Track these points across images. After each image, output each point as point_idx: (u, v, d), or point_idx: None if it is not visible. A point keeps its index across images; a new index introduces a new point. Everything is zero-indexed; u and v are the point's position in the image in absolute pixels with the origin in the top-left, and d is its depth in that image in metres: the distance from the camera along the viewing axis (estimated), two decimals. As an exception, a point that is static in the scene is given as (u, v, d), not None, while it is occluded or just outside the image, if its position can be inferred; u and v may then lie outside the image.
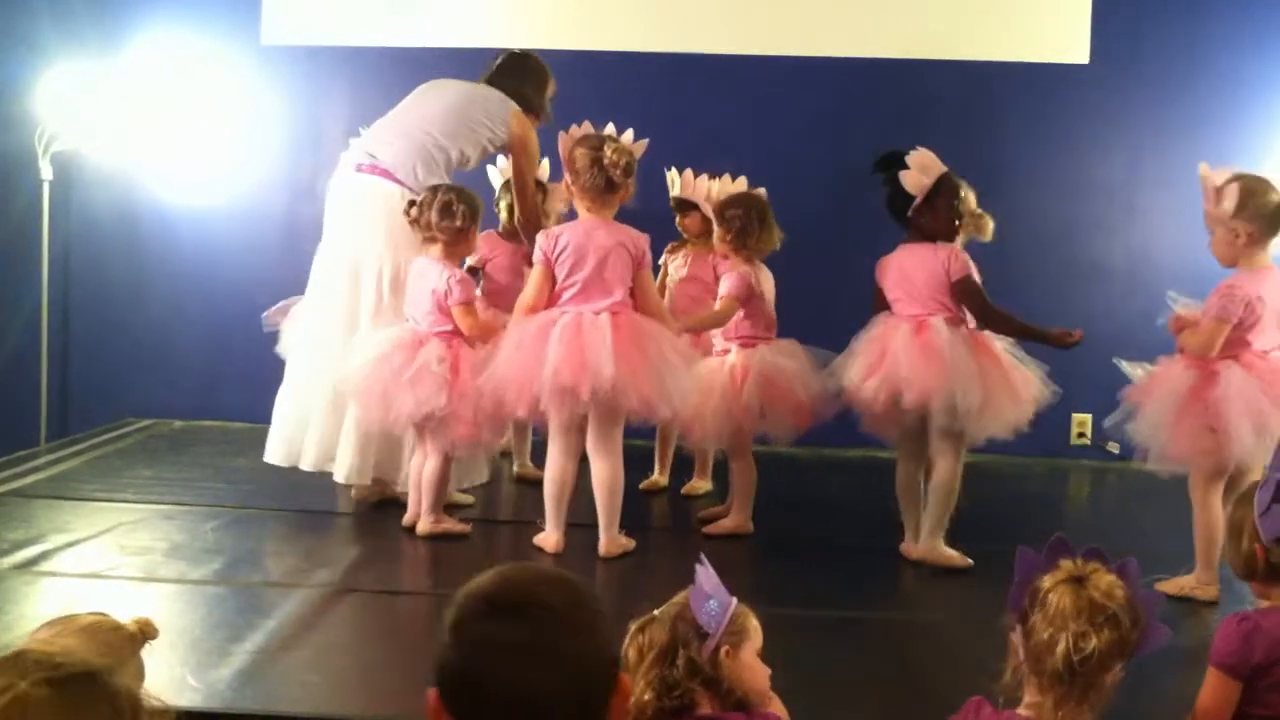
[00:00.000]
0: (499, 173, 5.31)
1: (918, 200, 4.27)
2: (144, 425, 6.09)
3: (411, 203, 4.39)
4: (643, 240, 4.17)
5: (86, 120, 5.92)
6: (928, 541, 4.27)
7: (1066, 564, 2.01)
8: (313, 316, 4.68)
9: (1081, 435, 6.06)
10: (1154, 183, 6.03)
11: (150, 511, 4.55)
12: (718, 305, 4.52)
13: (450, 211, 4.30)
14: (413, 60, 6.14)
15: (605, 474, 4.16)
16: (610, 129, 4.29)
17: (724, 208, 4.53)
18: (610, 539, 4.19)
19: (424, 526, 4.36)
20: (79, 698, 1.21)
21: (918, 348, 4.13)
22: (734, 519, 4.54)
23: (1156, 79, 5.96)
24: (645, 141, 4.28)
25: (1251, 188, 3.82)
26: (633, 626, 2.18)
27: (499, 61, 5.10)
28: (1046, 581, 1.99)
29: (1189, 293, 5.93)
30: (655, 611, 2.20)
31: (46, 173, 5.90)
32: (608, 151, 4.11)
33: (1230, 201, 3.81)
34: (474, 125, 4.81)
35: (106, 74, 6.00)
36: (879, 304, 4.35)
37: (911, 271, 4.27)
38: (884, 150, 4.40)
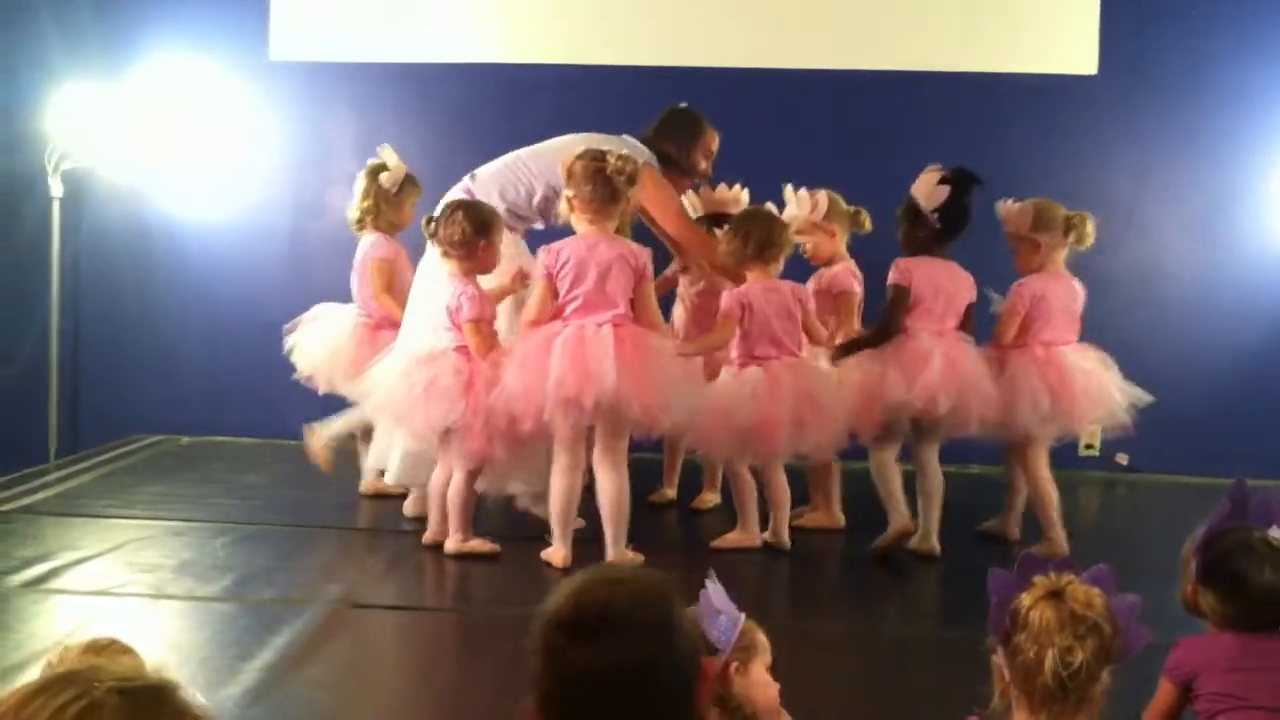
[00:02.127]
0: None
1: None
2: (153, 441, 6.10)
3: (429, 219, 4.39)
4: (644, 254, 4.17)
5: (96, 138, 5.94)
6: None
7: (1041, 580, 2.00)
8: (404, 333, 4.71)
9: (1089, 447, 6.05)
10: (1159, 194, 6.03)
11: (159, 528, 4.55)
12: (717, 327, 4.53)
13: (452, 224, 4.28)
14: (418, 76, 6.18)
15: (611, 488, 4.16)
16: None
17: (738, 223, 4.52)
18: (617, 554, 4.18)
19: (451, 545, 4.34)
20: (147, 707, 1.25)
21: (975, 363, 4.40)
22: (739, 534, 4.51)
23: (1163, 90, 5.96)
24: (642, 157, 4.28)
25: (1044, 206, 4.55)
26: None
27: (659, 117, 5.01)
28: (1025, 600, 1.99)
29: (1194, 301, 5.98)
30: None
31: (57, 190, 5.92)
32: (611, 161, 4.12)
33: (1028, 218, 4.50)
34: None
35: (116, 92, 6.02)
36: (902, 306, 4.39)
37: (944, 284, 4.43)
38: (952, 166, 4.48)
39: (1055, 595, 1.97)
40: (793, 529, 4.57)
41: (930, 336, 4.37)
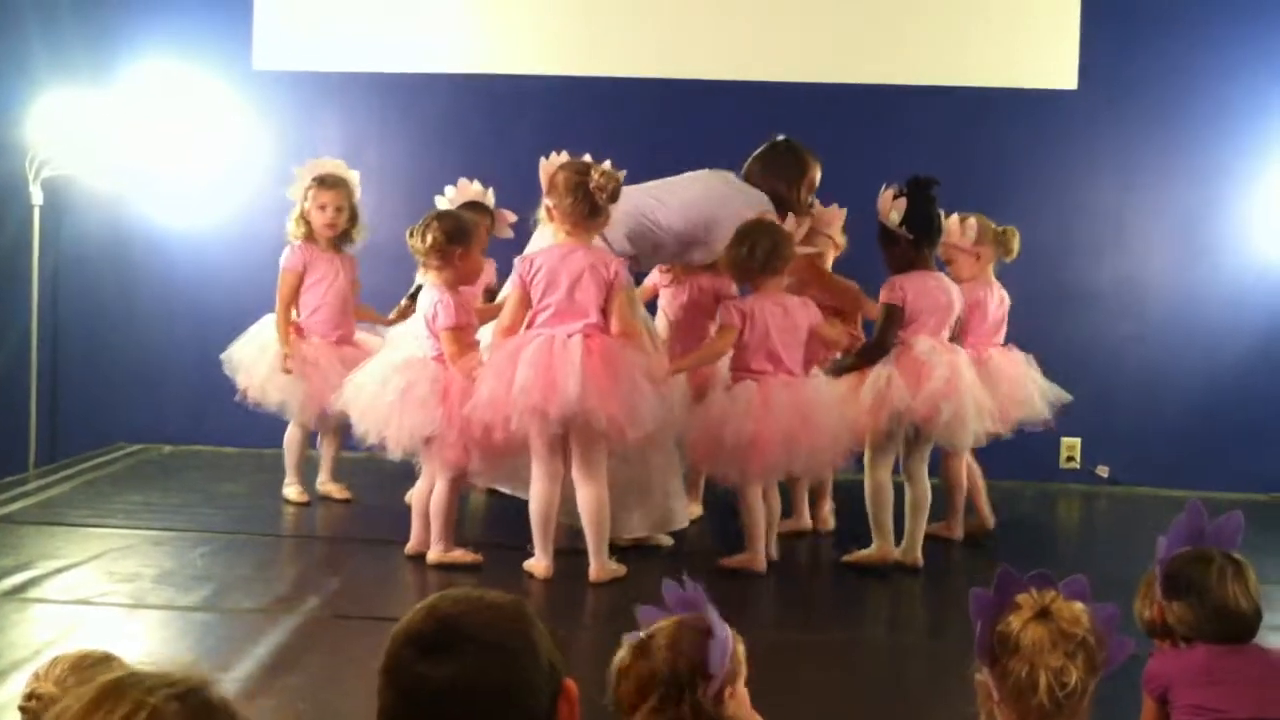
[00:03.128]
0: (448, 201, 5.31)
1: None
2: (133, 450, 6.07)
3: (411, 230, 4.39)
4: (615, 263, 4.14)
5: (78, 145, 5.92)
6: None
7: (1026, 598, 2.00)
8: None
9: (1071, 459, 6.08)
10: (1142, 207, 6.07)
11: (139, 537, 4.53)
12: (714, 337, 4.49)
13: (427, 234, 4.26)
14: (402, 86, 6.18)
15: (590, 500, 4.15)
16: (587, 159, 4.23)
17: (741, 235, 4.40)
18: (600, 565, 4.17)
19: (433, 555, 4.33)
20: (201, 710, 1.26)
21: (971, 373, 4.44)
22: (748, 555, 4.38)
23: (1144, 104, 6.00)
24: (623, 173, 4.21)
25: (984, 221, 4.78)
26: (626, 648, 2.03)
27: (761, 150, 4.93)
28: (1014, 622, 1.97)
29: (1177, 314, 6.01)
30: (642, 634, 2.05)
31: (37, 198, 5.90)
32: (594, 176, 4.10)
33: (972, 232, 4.71)
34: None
35: (98, 99, 6.01)
36: (896, 324, 4.38)
37: (936, 297, 4.43)
38: (915, 175, 4.47)
39: (1043, 614, 1.97)
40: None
41: (932, 346, 4.36)
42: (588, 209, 4.11)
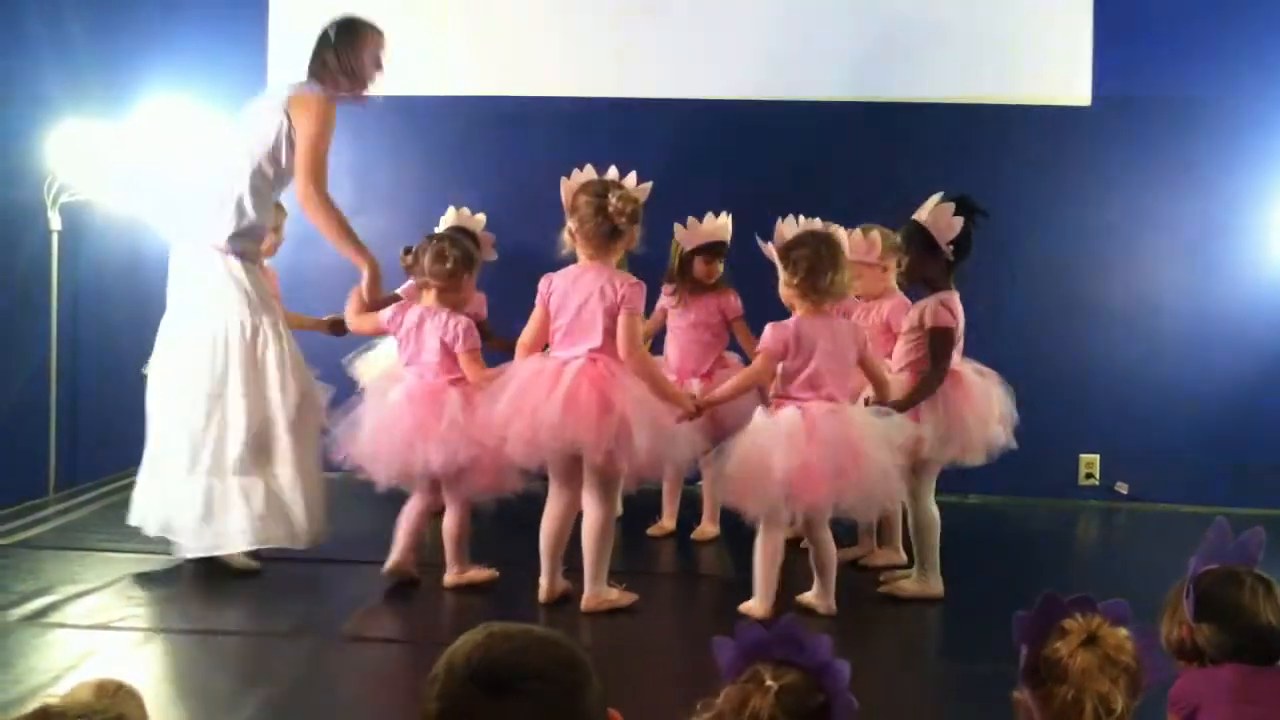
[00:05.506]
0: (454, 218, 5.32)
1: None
2: (151, 474, 6.07)
3: (407, 249, 4.40)
4: (624, 285, 4.00)
5: (96, 171, 5.95)
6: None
7: (1073, 624, 1.99)
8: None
9: (1089, 476, 6.06)
10: (1153, 224, 6.05)
11: (158, 561, 4.53)
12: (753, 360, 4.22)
13: (443, 258, 4.32)
14: (413, 109, 6.21)
15: (590, 520, 4.08)
16: (613, 172, 4.19)
17: (789, 248, 4.06)
18: (594, 593, 4.09)
19: (450, 578, 4.34)
20: None
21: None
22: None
23: (1157, 120, 5.99)
24: (649, 185, 4.18)
25: (887, 233, 4.62)
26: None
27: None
28: (1061, 648, 1.97)
29: (1191, 331, 5.99)
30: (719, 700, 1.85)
31: (55, 223, 5.93)
32: (612, 199, 4.03)
33: (877, 247, 4.61)
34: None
35: (116, 126, 6.04)
36: (949, 352, 4.22)
37: (961, 318, 4.28)
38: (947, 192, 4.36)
39: (1090, 641, 1.96)
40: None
41: (977, 370, 4.32)
42: (607, 231, 4.06)
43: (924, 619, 4.25)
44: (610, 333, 4.00)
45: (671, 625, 4.23)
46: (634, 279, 4.08)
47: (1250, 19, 5.92)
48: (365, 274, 4.48)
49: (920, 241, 4.29)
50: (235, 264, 4.46)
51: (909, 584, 4.36)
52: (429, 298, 4.38)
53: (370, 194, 5.62)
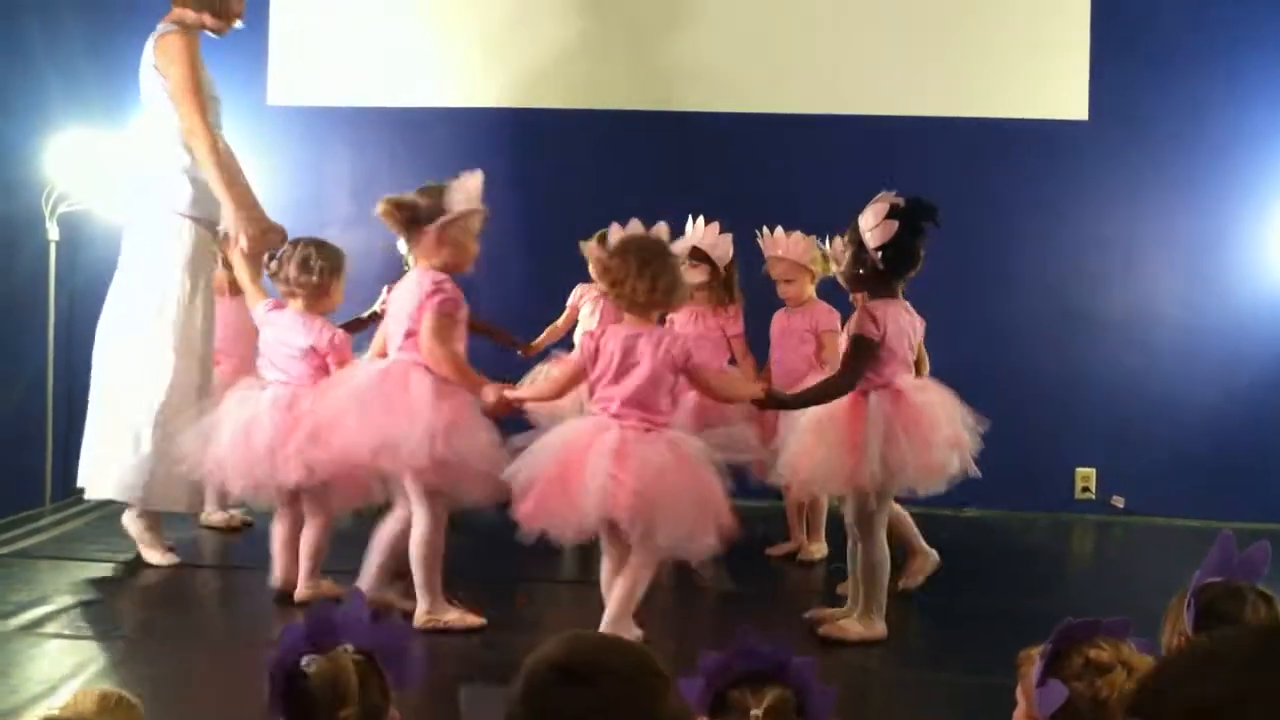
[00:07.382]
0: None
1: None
2: (148, 484, 6.06)
3: (271, 256, 4.30)
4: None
5: (94, 181, 5.96)
6: None
7: (1098, 653, 1.98)
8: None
9: (1086, 490, 6.06)
10: (1152, 237, 6.07)
11: (155, 571, 4.53)
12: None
13: (309, 267, 4.22)
14: (413, 120, 6.23)
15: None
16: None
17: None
18: (425, 609, 3.90)
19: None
20: None
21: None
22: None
23: (1154, 135, 6.01)
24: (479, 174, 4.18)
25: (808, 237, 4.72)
26: None
27: None
28: (1103, 688, 1.96)
29: (1188, 344, 6.00)
30: None
31: (53, 233, 5.93)
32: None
33: (810, 248, 4.72)
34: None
35: (115, 135, 6.05)
36: (865, 362, 3.85)
37: (907, 329, 3.92)
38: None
39: (1113, 668, 1.97)
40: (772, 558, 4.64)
41: (921, 386, 3.95)
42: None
43: (917, 627, 4.25)
44: (412, 334, 3.89)
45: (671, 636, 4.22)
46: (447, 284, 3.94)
47: (1245, 34, 5.94)
48: (231, 209, 4.52)
49: (852, 238, 3.94)
50: (187, 226, 4.60)
51: (852, 626, 3.96)
52: (295, 305, 4.25)
53: (369, 207, 5.58)
